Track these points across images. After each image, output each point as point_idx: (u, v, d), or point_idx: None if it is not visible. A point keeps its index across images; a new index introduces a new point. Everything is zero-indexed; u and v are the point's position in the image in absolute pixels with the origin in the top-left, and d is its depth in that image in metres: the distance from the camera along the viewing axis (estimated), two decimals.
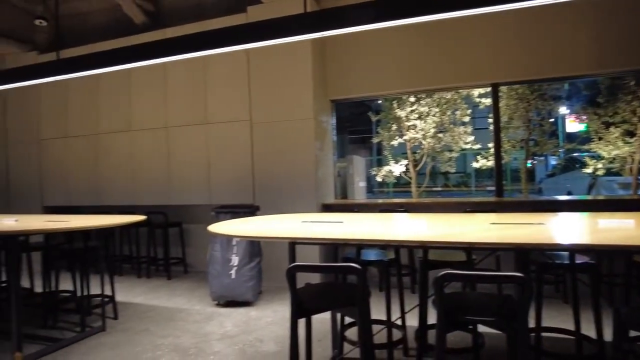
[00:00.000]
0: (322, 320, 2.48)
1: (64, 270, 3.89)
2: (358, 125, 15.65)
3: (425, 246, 2.47)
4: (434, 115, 7.54)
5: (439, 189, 14.97)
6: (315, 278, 2.10)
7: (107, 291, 3.81)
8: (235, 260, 3.90)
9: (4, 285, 4.18)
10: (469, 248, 2.43)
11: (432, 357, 2.71)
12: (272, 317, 3.63)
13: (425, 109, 7.52)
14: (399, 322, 2.82)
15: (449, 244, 1.85)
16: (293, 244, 2.24)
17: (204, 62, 4.93)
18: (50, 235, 3.93)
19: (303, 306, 1.77)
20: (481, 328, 2.33)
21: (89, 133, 5.76)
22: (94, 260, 5.48)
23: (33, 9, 5.90)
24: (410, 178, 8.38)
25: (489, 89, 5.03)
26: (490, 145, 7.76)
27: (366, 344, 1.75)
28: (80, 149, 5.83)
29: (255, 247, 4.03)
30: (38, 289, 4.06)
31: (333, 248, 3.03)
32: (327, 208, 4.65)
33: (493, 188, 5.14)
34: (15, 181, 6.30)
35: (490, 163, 8.45)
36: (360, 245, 2.73)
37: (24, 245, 3.92)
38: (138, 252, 5.40)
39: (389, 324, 2.56)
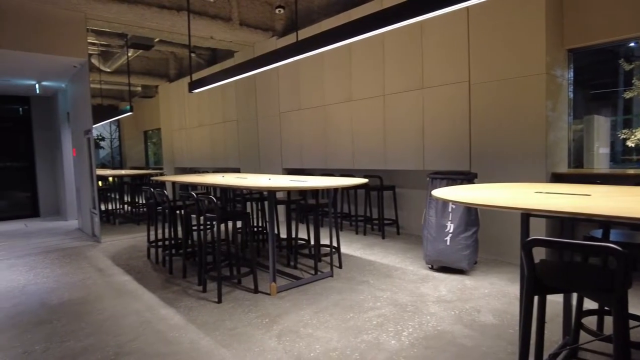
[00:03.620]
0: (549, 302, 2.24)
1: (300, 222, 4.63)
2: (599, 77, 12.73)
3: None
4: None
5: None
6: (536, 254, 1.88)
7: (334, 243, 4.37)
8: (450, 227, 3.86)
9: (261, 229, 5.31)
10: None
11: None
12: (489, 289, 3.48)
13: None
14: None
15: None
16: (527, 216, 2.04)
17: (421, 27, 4.86)
18: (290, 192, 4.71)
19: (540, 283, 1.62)
20: None
21: (317, 105, 6.54)
22: (323, 215, 6.35)
23: (273, 0, 6.98)
24: None
25: None
26: None
27: (621, 338, 1.49)
28: (310, 119, 6.70)
29: (471, 216, 3.88)
30: (282, 235, 4.99)
31: (566, 224, 2.64)
32: (559, 178, 4.04)
33: None
34: (263, 147, 7.78)
35: None
36: (609, 224, 2.29)
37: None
38: (356, 211, 5.96)
39: None
